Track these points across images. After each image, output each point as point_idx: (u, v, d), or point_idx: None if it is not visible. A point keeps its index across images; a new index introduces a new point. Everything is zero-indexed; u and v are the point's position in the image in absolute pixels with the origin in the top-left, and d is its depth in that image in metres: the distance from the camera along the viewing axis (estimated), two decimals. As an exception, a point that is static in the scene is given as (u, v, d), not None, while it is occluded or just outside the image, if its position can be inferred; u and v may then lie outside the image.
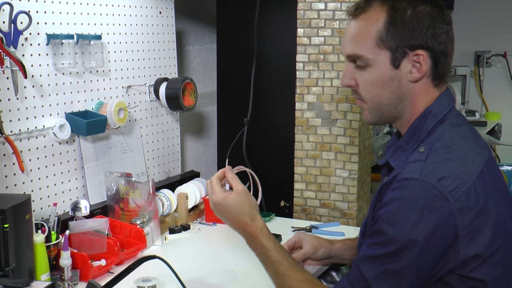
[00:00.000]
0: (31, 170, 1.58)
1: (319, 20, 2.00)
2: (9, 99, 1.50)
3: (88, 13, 1.75)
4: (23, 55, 1.53)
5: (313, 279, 1.24)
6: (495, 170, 1.16)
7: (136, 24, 1.95)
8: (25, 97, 1.55)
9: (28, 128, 1.56)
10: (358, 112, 1.99)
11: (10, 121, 1.51)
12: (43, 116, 1.61)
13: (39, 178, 1.61)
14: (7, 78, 1.48)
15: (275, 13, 2.11)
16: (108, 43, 1.83)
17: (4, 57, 1.44)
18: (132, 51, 1.94)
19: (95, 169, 1.79)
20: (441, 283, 1.09)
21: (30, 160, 1.58)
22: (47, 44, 1.60)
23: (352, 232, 1.80)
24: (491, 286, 1.09)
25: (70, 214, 1.60)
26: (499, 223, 1.09)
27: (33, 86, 1.58)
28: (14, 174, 1.53)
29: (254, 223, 1.26)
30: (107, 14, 1.82)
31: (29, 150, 1.57)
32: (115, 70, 1.87)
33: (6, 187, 1.50)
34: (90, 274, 1.43)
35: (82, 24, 1.72)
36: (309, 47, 2.02)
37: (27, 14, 1.50)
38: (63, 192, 1.69)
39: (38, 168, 1.60)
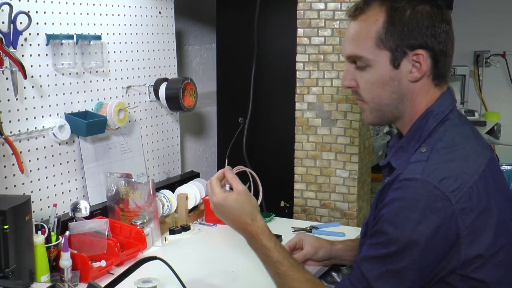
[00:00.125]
0: (30, 171, 1.58)
1: (319, 20, 1.99)
2: (8, 100, 1.50)
3: (87, 13, 1.74)
4: (22, 56, 1.52)
5: (314, 280, 1.24)
6: (496, 170, 1.16)
7: (136, 24, 1.94)
8: (25, 98, 1.55)
9: (27, 129, 1.56)
10: (358, 112, 1.99)
11: (10, 121, 1.51)
12: (42, 116, 1.60)
13: (39, 179, 1.61)
14: (7, 78, 1.48)
15: (275, 13, 2.11)
16: (108, 43, 1.83)
17: (4, 58, 1.43)
18: (132, 51, 1.93)
19: (95, 170, 1.79)
20: (443, 283, 1.09)
21: (29, 161, 1.57)
22: (46, 45, 1.59)
23: (352, 232, 1.80)
24: (493, 286, 1.09)
25: (70, 215, 1.59)
26: (501, 223, 1.09)
27: (32, 87, 1.57)
28: (14, 175, 1.52)
29: (255, 223, 1.26)
30: (106, 14, 1.82)
31: (29, 151, 1.57)
32: (115, 70, 1.87)
33: (6, 188, 1.50)
34: (90, 275, 1.43)
35: (81, 24, 1.72)
36: (309, 47, 2.02)
37: (27, 14, 1.50)
38: (63, 193, 1.69)
39: (38, 169, 1.60)
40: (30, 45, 1.55)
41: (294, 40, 2.04)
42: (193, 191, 1.97)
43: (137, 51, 1.96)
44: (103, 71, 1.81)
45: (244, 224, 1.26)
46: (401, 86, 1.17)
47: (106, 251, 1.50)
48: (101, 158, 1.81)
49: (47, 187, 1.63)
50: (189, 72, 2.39)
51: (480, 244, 1.06)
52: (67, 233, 1.48)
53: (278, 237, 1.74)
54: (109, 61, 1.84)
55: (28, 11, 1.51)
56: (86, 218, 1.59)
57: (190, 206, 1.93)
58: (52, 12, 1.61)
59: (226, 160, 1.40)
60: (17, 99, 1.52)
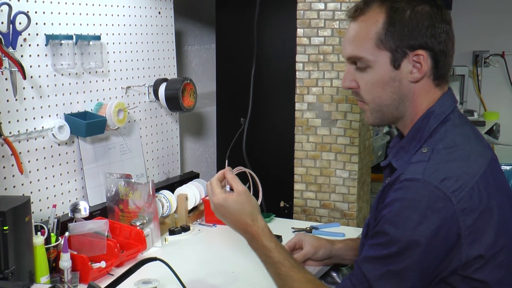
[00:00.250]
0: (30, 172, 1.57)
1: (319, 20, 1.99)
2: (8, 100, 1.49)
3: (87, 14, 1.74)
4: (22, 56, 1.52)
5: (314, 280, 1.23)
6: (497, 171, 1.16)
7: (135, 25, 1.94)
8: (24, 98, 1.54)
9: (27, 130, 1.55)
10: (358, 112, 1.99)
11: (9, 122, 1.50)
12: (42, 117, 1.60)
13: (38, 180, 1.60)
14: (6, 79, 1.47)
15: (275, 13, 2.10)
16: (107, 43, 1.83)
17: (3, 58, 1.43)
18: (131, 51, 1.93)
19: (94, 171, 1.78)
20: (444, 284, 1.09)
21: (29, 161, 1.57)
22: (46, 45, 1.59)
23: (352, 232, 1.80)
24: (494, 287, 1.08)
25: (69, 215, 1.59)
26: (502, 223, 1.09)
27: (32, 87, 1.57)
28: (13, 175, 1.52)
29: (256, 223, 1.25)
30: (106, 15, 1.81)
31: (28, 151, 1.57)
32: (114, 70, 1.87)
33: (5, 189, 1.49)
34: (90, 276, 1.43)
35: (81, 24, 1.71)
36: (309, 47, 2.02)
37: (26, 14, 1.49)
38: (62, 193, 1.68)
39: (37, 170, 1.59)
40: (30, 45, 1.55)
41: (294, 40, 2.04)
42: (192, 192, 1.97)
43: (137, 51, 1.95)
44: (102, 71, 1.81)
45: (244, 225, 1.26)
46: (401, 86, 1.17)
47: (106, 252, 1.50)
48: (100, 158, 1.81)
49: (47, 188, 1.63)
50: (189, 72, 2.39)
51: (481, 244, 1.06)
52: (66, 234, 1.48)
53: (278, 237, 1.73)
54: (108, 62, 1.84)
55: (28, 11, 1.51)
56: (86, 219, 1.59)
57: (190, 207, 1.93)
58: (52, 12, 1.61)
59: (227, 161, 1.40)
60: (16, 100, 1.51)
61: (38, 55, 1.57)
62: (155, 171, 2.08)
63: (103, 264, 1.46)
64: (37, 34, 1.57)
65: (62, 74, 1.66)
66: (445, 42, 1.15)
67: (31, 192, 1.57)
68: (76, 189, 1.73)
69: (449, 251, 1.06)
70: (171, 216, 1.88)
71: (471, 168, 1.08)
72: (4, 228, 1.22)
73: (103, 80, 1.82)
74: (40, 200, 1.61)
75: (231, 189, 1.31)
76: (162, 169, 2.12)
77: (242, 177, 1.47)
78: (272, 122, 2.16)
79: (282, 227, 1.87)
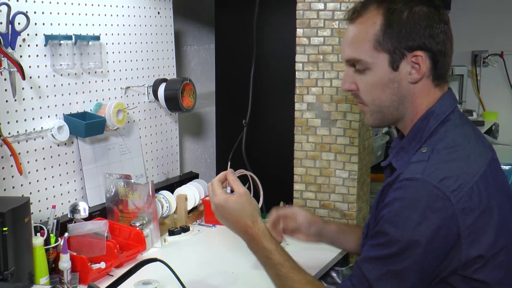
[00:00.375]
0: (29, 172, 1.57)
1: (319, 20, 1.99)
2: (7, 101, 1.49)
3: (86, 14, 1.73)
4: (21, 56, 1.52)
5: (314, 281, 1.23)
6: (498, 171, 1.16)
7: (135, 25, 1.94)
8: (23, 99, 1.54)
9: (26, 130, 1.55)
10: (358, 112, 1.99)
11: (8, 123, 1.50)
12: (41, 117, 1.60)
13: (38, 180, 1.60)
14: (5, 79, 1.47)
15: (274, 13, 2.10)
16: (107, 44, 1.82)
17: (2, 58, 1.43)
18: (130, 51, 1.93)
19: (94, 171, 1.78)
20: (444, 284, 1.09)
21: (28, 162, 1.56)
22: (45, 45, 1.59)
23: (352, 233, 1.79)
24: (494, 287, 1.08)
25: (69, 216, 1.59)
26: (502, 223, 1.09)
27: (31, 88, 1.56)
28: (12, 176, 1.51)
29: (256, 225, 1.25)
30: (105, 15, 1.81)
31: (27, 152, 1.56)
32: (114, 71, 1.86)
33: (4, 190, 1.49)
34: (90, 277, 1.43)
35: (80, 25, 1.71)
36: (309, 47, 2.01)
37: (25, 14, 1.49)
38: (61, 194, 1.68)
39: (37, 170, 1.59)
40: (29, 45, 1.54)
41: (293, 40, 2.03)
42: (192, 192, 1.97)
43: (136, 51, 1.95)
44: (101, 71, 1.81)
45: (244, 226, 1.25)
46: (401, 87, 1.17)
47: (105, 252, 1.49)
48: (100, 159, 1.80)
49: (46, 189, 1.63)
50: (188, 73, 2.38)
51: (481, 244, 1.06)
52: (66, 234, 1.48)
53: (278, 238, 1.73)
54: (107, 62, 1.83)
55: (27, 12, 1.50)
56: (85, 219, 1.59)
57: (189, 207, 1.93)
58: (51, 13, 1.61)
59: (229, 163, 1.39)
60: (15, 100, 1.51)
61: (37, 56, 1.57)
62: (155, 172, 2.08)
63: (102, 265, 1.46)
64: (36, 34, 1.56)
65: (62, 75, 1.66)
66: (444, 42, 1.15)
67: (31, 193, 1.57)
68: (75, 190, 1.73)
69: (449, 251, 1.06)
70: (171, 216, 1.88)
71: (471, 168, 1.08)
72: (4, 229, 1.21)
73: (102, 81, 1.82)
74: (39, 201, 1.60)
75: (232, 191, 1.31)
76: (162, 170, 2.11)
77: (242, 180, 1.47)
78: (271, 122, 2.15)
79: (282, 227, 1.87)
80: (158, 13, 2.04)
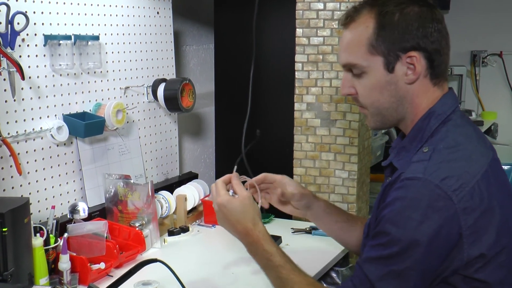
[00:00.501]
0: (28, 173, 1.56)
1: (318, 20, 1.99)
2: (6, 101, 1.49)
3: (85, 14, 1.73)
4: (20, 56, 1.51)
5: (315, 282, 1.23)
6: (499, 170, 1.16)
7: (134, 25, 1.93)
8: (22, 99, 1.54)
9: (25, 130, 1.54)
10: (358, 112, 1.99)
11: (7, 123, 1.50)
12: (40, 118, 1.59)
13: (37, 181, 1.59)
14: (4, 79, 1.46)
15: (274, 13, 2.10)
16: (106, 44, 1.82)
17: (1, 58, 1.42)
18: (130, 52, 1.92)
19: (93, 171, 1.77)
20: (445, 284, 1.09)
21: (27, 162, 1.56)
22: (44, 45, 1.58)
23: (352, 233, 1.79)
24: (495, 287, 1.08)
25: (68, 216, 1.58)
26: (503, 223, 1.08)
27: (30, 88, 1.56)
28: (12, 176, 1.51)
29: (257, 228, 1.25)
30: (104, 15, 1.81)
31: (27, 152, 1.56)
32: (113, 71, 1.86)
33: (4, 190, 1.49)
34: (89, 277, 1.43)
35: (79, 25, 1.71)
36: (308, 47, 2.01)
37: (24, 14, 1.48)
38: (61, 194, 1.68)
39: (36, 171, 1.59)
40: (28, 45, 1.54)
41: (293, 40, 2.03)
42: (191, 192, 1.96)
43: (135, 51, 1.95)
44: (101, 71, 1.80)
45: (245, 228, 1.25)
46: (398, 89, 1.17)
47: (105, 253, 1.49)
48: (99, 159, 1.80)
49: (45, 189, 1.62)
50: (187, 73, 2.38)
51: (482, 244, 1.06)
52: (65, 235, 1.47)
53: (278, 238, 1.73)
54: (107, 62, 1.83)
55: (26, 12, 1.50)
56: (85, 220, 1.59)
57: (189, 207, 1.93)
58: (50, 13, 1.60)
59: (235, 167, 1.40)
60: (14, 100, 1.50)
61: (36, 56, 1.57)
62: (154, 172, 2.07)
63: (102, 265, 1.45)
64: (35, 34, 1.56)
65: (61, 75, 1.66)
66: (438, 41, 1.15)
67: (30, 193, 1.56)
68: (74, 190, 1.72)
69: (450, 250, 1.06)
70: (170, 217, 1.88)
71: (473, 168, 1.08)
72: (3, 229, 1.21)
73: (101, 81, 1.81)
74: (38, 201, 1.60)
75: (234, 194, 1.31)
76: (161, 170, 2.11)
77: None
78: (271, 122, 2.15)
79: (282, 227, 1.87)
80: (158, 13, 2.04)
